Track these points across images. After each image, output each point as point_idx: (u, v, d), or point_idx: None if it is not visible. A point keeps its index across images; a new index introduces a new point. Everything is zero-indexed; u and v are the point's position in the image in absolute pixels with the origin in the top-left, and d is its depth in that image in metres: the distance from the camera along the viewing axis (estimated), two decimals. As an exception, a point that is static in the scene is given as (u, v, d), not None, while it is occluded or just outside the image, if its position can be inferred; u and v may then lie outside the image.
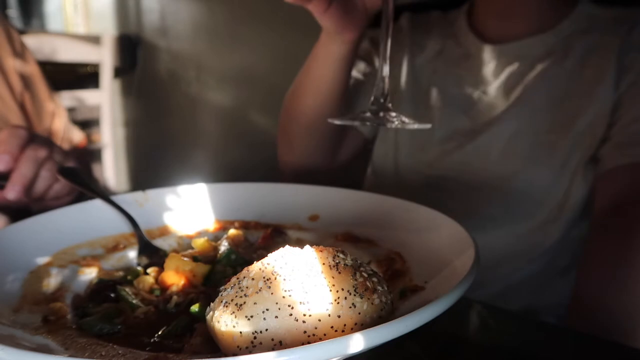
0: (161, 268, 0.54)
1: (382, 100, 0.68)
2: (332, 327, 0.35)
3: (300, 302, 0.35)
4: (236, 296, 0.37)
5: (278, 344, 0.35)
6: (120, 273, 0.58)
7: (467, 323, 0.51)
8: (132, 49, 2.88)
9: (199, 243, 0.60)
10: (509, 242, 0.94)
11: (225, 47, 2.49)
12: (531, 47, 0.95)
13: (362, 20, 0.79)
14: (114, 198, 0.67)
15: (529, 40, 0.95)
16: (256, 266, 0.39)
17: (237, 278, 0.39)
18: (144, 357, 0.39)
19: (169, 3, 2.77)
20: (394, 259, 0.52)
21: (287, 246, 0.40)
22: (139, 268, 0.58)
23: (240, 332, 0.36)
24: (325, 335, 0.35)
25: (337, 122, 0.70)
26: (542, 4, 0.96)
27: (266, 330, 0.35)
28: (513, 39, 0.97)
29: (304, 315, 0.35)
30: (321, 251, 0.39)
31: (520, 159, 0.92)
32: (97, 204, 0.66)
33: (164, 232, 0.67)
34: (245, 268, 0.40)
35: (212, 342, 0.39)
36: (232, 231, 0.62)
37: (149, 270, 0.55)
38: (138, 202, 0.68)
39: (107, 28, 2.98)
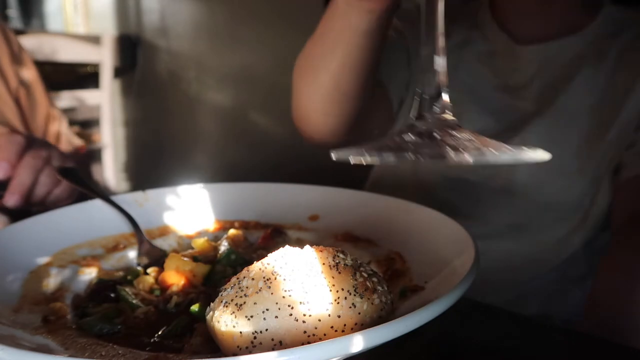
0: (161, 268, 0.54)
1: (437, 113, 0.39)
2: (332, 327, 0.35)
3: (300, 302, 0.35)
4: (236, 296, 0.37)
5: (278, 344, 0.35)
6: (120, 273, 0.58)
7: (467, 323, 0.51)
8: (132, 49, 2.88)
9: (199, 243, 0.60)
10: (532, 250, 0.91)
11: (225, 47, 2.49)
12: (561, 50, 0.91)
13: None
14: (114, 198, 0.67)
15: (558, 42, 0.91)
16: (256, 266, 0.39)
17: (237, 278, 0.39)
18: (144, 357, 0.39)
19: (169, 3, 2.77)
20: (394, 259, 0.52)
21: (287, 246, 0.40)
22: (139, 268, 0.58)
23: (240, 332, 0.36)
24: (325, 335, 0.35)
25: (355, 160, 0.39)
26: (570, 5, 0.92)
27: (266, 330, 0.35)
28: (541, 39, 0.92)
29: (304, 315, 0.35)
30: (321, 251, 0.39)
31: (549, 169, 0.86)
32: (97, 204, 0.66)
33: (164, 232, 0.67)
34: (245, 268, 0.40)
35: (212, 342, 0.39)
36: (232, 231, 0.62)
37: (149, 270, 0.55)
38: (138, 202, 0.68)
39: (107, 28, 2.98)
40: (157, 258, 0.59)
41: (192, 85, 2.69)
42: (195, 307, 0.46)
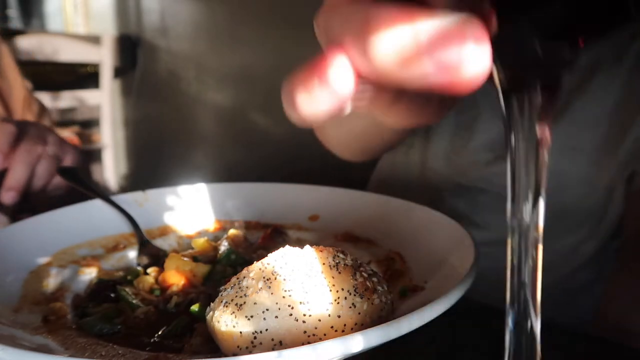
0: (161, 268, 0.54)
1: None
2: (332, 327, 0.35)
3: (300, 302, 0.35)
4: (236, 296, 0.37)
5: (278, 344, 0.35)
6: (120, 273, 0.58)
7: (467, 323, 0.51)
8: (132, 49, 2.88)
9: (199, 243, 0.60)
10: (544, 258, 0.90)
11: (225, 47, 2.49)
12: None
13: (440, 112, 0.56)
14: (114, 198, 0.67)
15: None
16: (256, 266, 0.39)
17: (237, 278, 0.39)
18: (144, 357, 0.39)
19: (169, 3, 2.77)
20: (394, 259, 0.52)
21: (287, 246, 0.40)
22: (139, 268, 0.58)
23: (240, 332, 0.36)
24: (325, 335, 0.35)
25: None
26: None
27: (266, 330, 0.35)
28: None
29: (304, 315, 0.35)
30: (321, 251, 0.39)
31: (564, 178, 0.84)
32: (97, 204, 0.66)
33: (164, 232, 0.67)
34: (245, 268, 0.40)
35: (212, 342, 0.39)
36: (232, 231, 0.62)
37: (149, 270, 0.55)
38: (138, 202, 0.68)
39: (107, 28, 2.98)
40: (157, 258, 0.59)
41: (192, 85, 2.69)
42: (195, 307, 0.46)
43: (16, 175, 0.73)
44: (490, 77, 0.20)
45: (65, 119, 2.62)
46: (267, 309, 0.36)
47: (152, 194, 0.70)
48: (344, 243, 0.59)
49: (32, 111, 1.15)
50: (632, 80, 0.83)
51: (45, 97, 2.30)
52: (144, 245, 0.62)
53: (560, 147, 0.84)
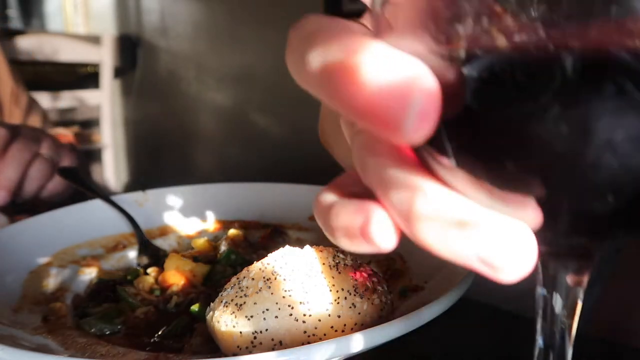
0: (161, 268, 0.54)
1: None
2: (332, 327, 0.35)
3: (300, 302, 0.35)
4: (236, 296, 0.37)
5: (278, 344, 0.35)
6: (120, 273, 0.58)
7: (467, 323, 0.51)
8: (132, 49, 2.89)
9: (199, 243, 0.60)
10: None
11: (225, 47, 2.49)
12: None
13: None
14: (114, 198, 0.67)
15: None
16: (256, 266, 0.39)
17: (237, 278, 0.39)
18: (144, 357, 0.39)
19: (169, 3, 2.77)
20: (394, 259, 0.52)
21: (287, 246, 0.40)
22: (139, 268, 0.58)
23: (240, 332, 0.36)
24: (325, 335, 0.35)
25: None
26: None
27: (266, 330, 0.35)
28: None
29: (304, 315, 0.35)
30: (321, 251, 0.39)
31: None
32: (97, 204, 0.66)
33: (164, 232, 0.67)
34: (245, 268, 0.40)
35: (212, 342, 0.39)
36: (232, 231, 0.62)
37: (149, 270, 0.55)
38: (138, 202, 0.68)
39: (107, 28, 2.98)
40: (157, 258, 0.59)
41: (192, 85, 2.69)
42: (195, 307, 0.46)
43: (6, 175, 0.72)
44: None
45: (65, 119, 2.62)
46: (267, 309, 0.36)
47: (152, 194, 0.70)
48: (344, 243, 0.59)
49: (20, 105, 1.12)
50: None
51: (45, 97, 2.30)
52: (144, 245, 0.62)
53: None
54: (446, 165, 0.18)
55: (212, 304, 0.39)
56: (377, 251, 0.20)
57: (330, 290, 0.36)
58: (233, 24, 2.41)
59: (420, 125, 0.15)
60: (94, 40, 2.60)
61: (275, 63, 2.15)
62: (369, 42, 0.17)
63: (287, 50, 0.20)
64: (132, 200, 0.68)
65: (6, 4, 3.18)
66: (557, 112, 0.15)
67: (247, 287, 0.37)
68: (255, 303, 0.36)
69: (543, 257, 0.20)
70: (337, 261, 0.39)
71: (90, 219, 0.64)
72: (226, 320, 0.37)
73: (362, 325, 0.36)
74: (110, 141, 2.65)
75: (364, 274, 0.39)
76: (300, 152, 1.44)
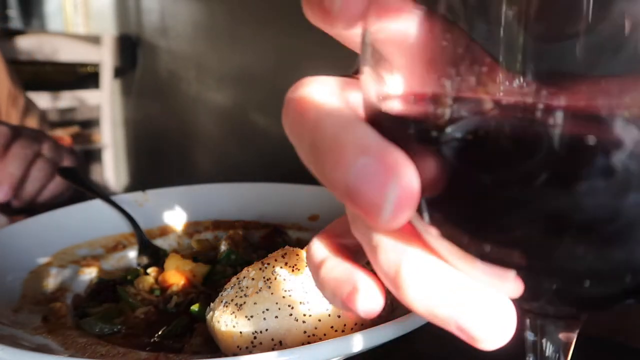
0: (161, 268, 0.54)
1: None
2: (332, 327, 0.35)
3: (300, 302, 0.35)
4: (236, 296, 0.37)
5: (278, 344, 0.35)
6: (120, 273, 0.58)
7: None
8: (132, 49, 2.89)
9: (199, 243, 0.60)
10: None
11: (225, 47, 2.49)
12: None
13: None
14: (114, 198, 0.67)
15: None
16: (256, 266, 0.39)
17: (237, 278, 0.39)
18: (144, 357, 0.39)
19: (169, 3, 2.77)
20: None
21: (287, 246, 0.40)
22: (139, 268, 0.58)
23: (240, 332, 0.36)
24: (325, 335, 0.35)
25: None
26: None
27: (266, 330, 0.35)
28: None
29: (304, 315, 0.35)
30: (321, 251, 0.39)
31: None
32: (97, 204, 0.66)
33: (164, 232, 0.67)
34: (245, 268, 0.40)
35: (212, 342, 0.39)
36: (232, 231, 0.62)
37: (149, 270, 0.55)
38: (138, 202, 0.68)
39: (107, 28, 2.98)
40: (157, 258, 0.59)
41: (192, 85, 2.69)
42: (195, 307, 0.46)
43: (9, 170, 0.71)
44: None
45: (65, 119, 2.62)
46: (267, 309, 0.36)
47: (152, 194, 0.70)
48: (344, 243, 0.59)
49: (17, 107, 1.12)
50: None
51: (45, 97, 2.30)
52: (144, 245, 0.62)
53: None
54: (432, 233, 0.18)
55: (212, 304, 0.39)
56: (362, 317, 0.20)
57: (330, 290, 0.36)
58: (233, 24, 2.41)
59: (397, 215, 0.16)
60: (94, 40, 2.60)
61: (275, 63, 2.15)
62: (352, 129, 0.17)
63: (283, 113, 0.20)
64: (132, 200, 0.68)
65: (6, 4, 3.18)
66: (534, 198, 0.14)
67: (247, 287, 0.37)
68: (255, 303, 0.36)
69: (530, 315, 0.20)
70: (337, 261, 0.39)
71: (90, 219, 0.64)
72: (226, 320, 0.37)
73: (362, 326, 0.36)
74: (110, 141, 2.65)
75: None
76: (300, 152, 1.44)
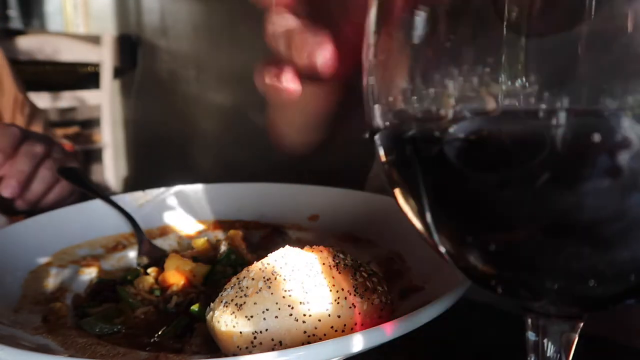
0: (161, 268, 0.54)
1: None
2: (332, 327, 0.35)
3: (300, 302, 0.35)
4: (236, 296, 0.37)
5: (278, 344, 0.35)
6: (120, 273, 0.58)
7: (467, 323, 0.50)
8: (132, 49, 2.88)
9: (199, 243, 0.60)
10: None
11: (225, 47, 2.49)
12: None
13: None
14: (114, 198, 0.67)
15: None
16: (256, 266, 0.39)
17: (237, 278, 0.39)
18: (144, 357, 0.39)
19: (169, 3, 2.77)
20: (393, 259, 0.52)
21: (287, 246, 0.40)
22: (139, 268, 0.58)
23: (240, 332, 0.36)
24: (325, 335, 0.35)
25: None
26: None
27: (266, 330, 0.35)
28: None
29: (304, 315, 0.35)
30: (321, 251, 0.39)
31: None
32: (97, 204, 0.66)
33: (164, 232, 0.67)
34: (245, 268, 0.40)
35: (212, 342, 0.39)
36: (232, 231, 0.62)
37: (149, 270, 0.55)
38: (138, 202, 0.68)
39: (107, 28, 2.98)
40: (157, 258, 0.59)
41: (192, 85, 2.69)
42: (195, 307, 0.46)
43: (18, 167, 0.72)
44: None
45: (65, 119, 2.62)
46: (267, 309, 0.36)
47: (152, 194, 0.70)
48: (344, 243, 0.59)
49: (23, 114, 1.14)
50: None
51: (45, 97, 2.30)
52: (144, 245, 0.62)
53: None
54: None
55: (212, 304, 0.39)
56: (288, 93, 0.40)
57: (330, 290, 0.36)
58: (233, 24, 2.41)
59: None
60: (94, 40, 2.60)
61: (275, 63, 2.14)
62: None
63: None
64: (132, 200, 0.68)
65: (6, 4, 3.18)
66: (537, 198, 0.14)
67: (247, 287, 0.37)
68: (255, 303, 0.36)
69: (532, 315, 0.20)
70: (337, 261, 0.39)
71: (90, 219, 0.64)
72: (226, 320, 0.37)
73: (362, 325, 0.36)
74: (110, 141, 2.65)
75: (364, 274, 0.39)
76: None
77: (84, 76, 2.72)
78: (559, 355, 0.20)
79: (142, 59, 2.89)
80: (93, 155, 2.66)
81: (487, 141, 0.15)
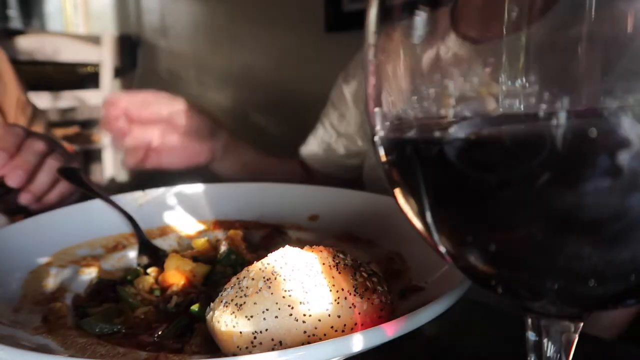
0: (161, 268, 0.54)
1: None
2: (332, 327, 0.35)
3: (300, 302, 0.35)
4: (236, 296, 0.37)
5: (278, 344, 0.35)
6: (120, 273, 0.58)
7: (467, 323, 0.50)
8: (132, 49, 2.88)
9: (199, 243, 0.60)
10: None
11: (225, 47, 2.49)
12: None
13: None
14: (114, 198, 0.67)
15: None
16: (256, 266, 0.39)
17: (237, 278, 0.39)
18: (144, 357, 0.39)
19: (169, 3, 2.77)
20: (393, 259, 0.52)
21: (287, 246, 0.40)
22: (139, 268, 0.58)
23: (240, 332, 0.36)
24: (325, 335, 0.35)
25: None
26: None
27: (266, 330, 0.35)
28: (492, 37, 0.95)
29: (304, 315, 0.35)
30: (321, 251, 0.39)
31: None
32: (97, 204, 0.66)
33: (164, 232, 0.67)
34: (245, 268, 0.40)
35: (212, 342, 0.39)
36: (232, 231, 0.62)
37: (149, 270, 0.55)
38: (138, 202, 0.68)
39: (107, 28, 2.98)
40: (157, 258, 0.59)
41: (192, 85, 2.69)
42: (195, 307, 0.46)
43: (24, 158, 0.73)
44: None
45: (65, 119, 2.62)
46: (267, 309, 0.36)
47: (152, 194, 0.70)
48: (344, 243, 0.59)
49: (25, 115, 1.15)
50: None
51: (45, 97, 2.30)
52: (144, 245, 0.62)
53: None
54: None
55: (212, 304, 0.39)
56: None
57: (330, 290, 0.36)
58: (233, 24, 2.41)
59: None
60: (94, 40, 2.60)
61: (275, 63, 2.15)
62: None
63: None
64: (132, 200, 0.68)
65: (6, 4, 3.18)
66: (539, 198, 0.14)
67: (247, 287, 0.37)
68: (255, 303, 0.36)
69: (532, 315, 0.20)
70: (337, 261, 0.39)
71: (90, 219, 0.64)
72: (226, 320, 0.37)
73: (362, 325, 0.36)
74: (110, 141, 2.64)
75: (364, 274, 0.39)
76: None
77: (84, 76, 2.71)
78: (559, 355, 0.20)
79: (142, 59, 2.90)
80: (93, 155, 2.66)
81: (487, 141, 0.15)
